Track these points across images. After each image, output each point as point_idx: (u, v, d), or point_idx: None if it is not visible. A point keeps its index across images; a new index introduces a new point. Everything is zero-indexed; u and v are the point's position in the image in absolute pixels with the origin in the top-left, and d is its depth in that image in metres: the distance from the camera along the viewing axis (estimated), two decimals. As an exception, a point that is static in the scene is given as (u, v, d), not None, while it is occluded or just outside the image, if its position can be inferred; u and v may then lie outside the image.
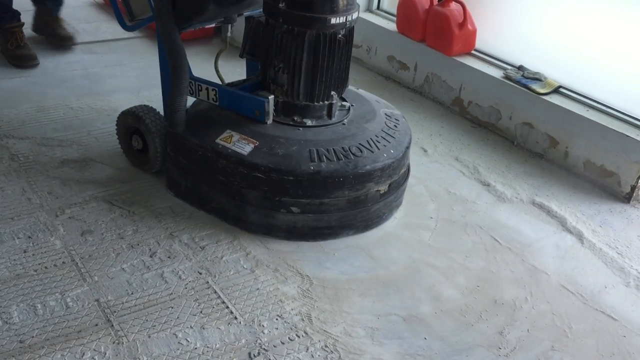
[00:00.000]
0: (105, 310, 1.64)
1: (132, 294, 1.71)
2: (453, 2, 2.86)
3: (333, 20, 1.91)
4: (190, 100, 2.12)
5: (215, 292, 1.75)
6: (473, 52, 2.93)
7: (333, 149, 1.96)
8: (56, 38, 3.22)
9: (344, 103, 2.19)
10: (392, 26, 3.25)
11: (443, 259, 1.97)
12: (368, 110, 2.21)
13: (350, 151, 1.97)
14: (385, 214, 2.12)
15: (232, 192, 1.99)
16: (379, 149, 2.01)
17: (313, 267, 1.88)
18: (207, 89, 2.10)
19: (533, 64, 2.74)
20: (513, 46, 2.82)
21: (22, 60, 2.99)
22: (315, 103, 2.05)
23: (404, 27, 3.13)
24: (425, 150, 2.59)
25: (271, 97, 2.01)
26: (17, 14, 3.04)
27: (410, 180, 2.36)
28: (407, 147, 2.12)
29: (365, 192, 2.00)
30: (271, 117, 2.03)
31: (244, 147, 1.95)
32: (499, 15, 2.86)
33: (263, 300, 1.74)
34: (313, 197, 1.94)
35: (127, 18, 2.29)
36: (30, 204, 2.02)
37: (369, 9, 3.45)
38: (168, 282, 1.76)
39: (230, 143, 1.97)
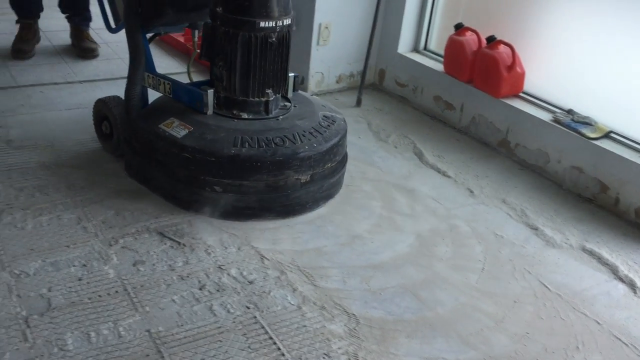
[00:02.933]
0: (156, 341, 1.67)
1: (182, 325, 1.73)
2: (502, 45, 2.88)
3: (262, 24, 2.16)
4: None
5: (263, 327, 1.76)
6: (521, 94, 2.93)
7: (257, 137, 2.20)
8: (82, 50, 3.64)
9: (285, 103, 2.45)
10: (439, 67, 3.28)
11: (491, 303, 1.95)
12: (308, 111, 2.43)
13: (273, 141, 2.20)
14: (309, 203, 2.32)
15: (167, 171, 2.26)
16: (302, 142, 2.23)
17: (359, 306, 1.88)
18: (164, 83, 2.41)
19: (583, 108, 2.72)
20: (562, 89, 2.81)
21: (16, 52, 3.44)
22: (252, 99, 2.29)
23: (451, 68, 3.16)
24: (471, 192, 2.59)
25: (210, 90, 2.29)
26: (33, 13, 3.50)
27: (457, 221, 2.36)
28: (335, 145, 2.32)
29: (284, 179, 2.21)
30: (210, 109, 2.29)
31: (180, 131, 2.22)
32: (548, 59, 2.86)
33: (310, 337, 1.74)
34: (233, 178, 2.17)
35: (113, 22, 2.65)
36: (85, 232, 2.08)
37: (415, 49, 3.49)
38: (217, 315, 1.79)
39: (169, 128, 2.25)
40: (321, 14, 3.23)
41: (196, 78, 2.68)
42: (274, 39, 2.21)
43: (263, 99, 2.31)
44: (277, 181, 2.21)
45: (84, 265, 1.92)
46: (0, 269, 1.86)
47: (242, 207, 2.23)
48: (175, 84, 2.38)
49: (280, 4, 2.19)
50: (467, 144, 3.02)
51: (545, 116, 2.77)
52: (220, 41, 2.23)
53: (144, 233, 2.11)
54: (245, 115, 2.31)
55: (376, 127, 3.12)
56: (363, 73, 3.36)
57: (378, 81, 3.60)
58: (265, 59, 2.23)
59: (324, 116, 2.43)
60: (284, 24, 2.21)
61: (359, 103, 3.35)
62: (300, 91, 2.58)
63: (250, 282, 1.93)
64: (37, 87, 3.14)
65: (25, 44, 3.49)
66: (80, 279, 1.86)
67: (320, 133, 2.32)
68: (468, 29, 3.06)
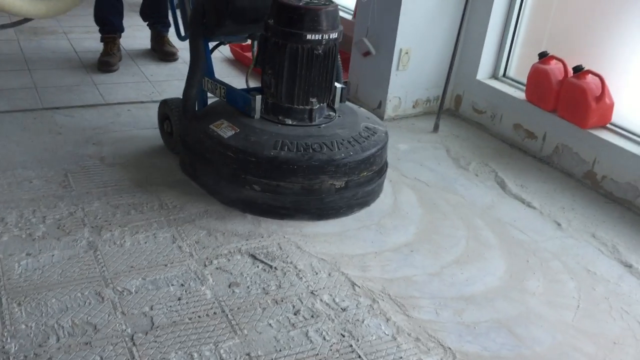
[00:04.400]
0: (257, 366, 1.69)
1: (280, 351, 1.75)
2: (590, 75, 2.83)
3: (309, 37, 2.30)
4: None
5: (360, 357, 1.76)
6: (609, 125, 2.87)
7: (297, 142, 2.33)
8: (163, 54, 3.95)
9: (330, 113, 2.57)
10: (519, 94, 3.25)
11: (590, 343, 1.90)
12: (351, 121, 2.55)
13: (311, 146, 2.33)
14: (342, 208, 2.43)
15: (213, 168, 2.43)
16: (339, 149, 2.35)
17: (454, 340, 1.86)
18: (220, 87, 2.61)
19: (676, 142, 2.64)
20: (654, 122, 2.75)
21: (102, 65, 3.67)
22: (296, 106, 2.42)
23: (533, 96, 3.12)
24: (559, 224, 2.54)
25: (259, 96, 2.45)
26: (115, 29, 3.78)
27: (545, 254, 2.32)
28: (372, 154, 2.42)
29: (319, 183, 2.32)
30: (258, 113, 2.46)
31: (227, 132, 2.38)
32: (638, 90, 2.79)
33: (407, 369, 1.74)
34: (271, 178, 2.31)
35: (183, 30, 2.84)
36: (181, 252, 2.14)
37: (494, 76, 3.46)
38: (313, 342, 1.80)
39: (218, 128, 2.41)
40: (402, 39, 3.25)
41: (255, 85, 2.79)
42: (320, 51, 2.34)
43: (307, 107, 2.44)
44: (312, 185, 2.33)
45: (182, 285, 1.97)
46: (104, 285, 1.93)
47: (278, 207, 2.37)
48: (229, 88, 2.58)
49: (327, 19, 2.33)
50: (549, 174, 2.97)
51: (636, 149, 2.70)
52: (271, 51, 2.39)
53: (236, 254, 2.15)
54: (289, 122, 2.45)
55: (455, 154, 3.10)
56: (442, 99, 3.35)
57: (454, 107, 3.58)
58: (310, 69, 2.36)
59: (366, 127, 2.53)
60: (331, 37, 2.34)
61: (436, 129, 3.34)
62: (348, 103, 2.71)
63: (344, 310, 1.94)
64: (124, 105, 3.25)
65: (110, 57, 3.72)
66: (179, 299, 1.91)
67: (359, 142, 2.42)
68: (553, 57, 3.02)
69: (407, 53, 3.29)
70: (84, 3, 3.74)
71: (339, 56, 2.59)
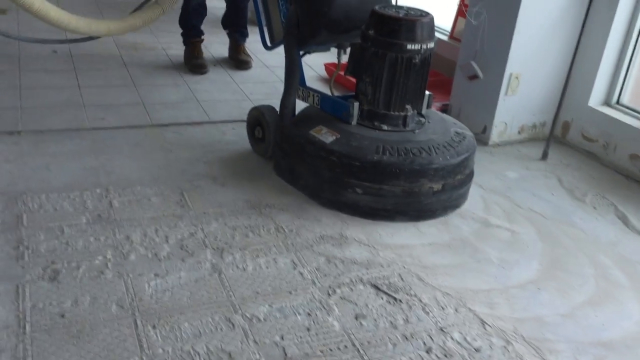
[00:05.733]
0: (398, 407, 1.63)
1: (417, 391, 1.69)
2: None
3: (409, 47, 2.41)
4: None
5: (501, 402, 1.68)
6: None
7: (397, 147, 2.43)
8: (238, 62, 4.14)
9: (420, 119, 2.65)
10: (636, 123, 3.10)
11: None
12: (441, 126, 2.64)
13: (411, 151, 2.43)
14: (438, 210, 2.53)
15: (314, 172, 2.53)
16: (436, 154, 2.45)
17: (599, 390, 1.75)
18: (313, 95, 2.72)
19: None
20: None
21: (196, 67, 3.90)
22: (392, 112, 2.53)
23: (655, 127, 2.97)
24: (692, 266, 2.38)
25: (356, 103, 2.54)
26: (200, 32, 4.03)
27: (686, 300, 2.17)
28: (465, 158, 2.52)
29: (419, 186, 2.42)
30: (355, 119, 2.55)
31: (328, 137, 2.48)
32: None
33: (553, 420, 1.64)
34: (374, 182, 2.41)
35: (269, 40, 2.99)
36: (303, 279, 2.11)
37: (607, 103, 3.32)
38: (450, 383, 1.73)
39: (319, 134, 2.51)
40: (513, 63, 3.15)
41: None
42: (417, 60, 2.45)
43: (402, 114, 2.54)
44: (413, 188, 2.43)
45: (309, 314, 1.94)
46: (233, 311, 1.91)
47: (379, 209, 2.47)
48: (323, 96, 2.69)
49: (425, 29, 2.43)
50: (673, 209, 2.81)
51: None
52: (369, 60, 2.48)
53: (358, 284, 2.11)
54: (385, 127, 2.55)
55: (568, 184, 2.97)
56: (552, 125, 3.23)
57: (561, 134, 3.45)
58: (408, 77, 2.47)
59: (456, 132, 2.62)
60: (428, 47, 2.44)
61: (545, 156, 3.22)
62: (432, 109, 2.78)
63: (477, 350, 1.86)
64: (229, 123, 3.27)
65: (201, 59, 3.98)
66: (308, 329, 1.87)
67: (453, 147, 2.51)
68: (678, 86, 2.87)
69: (517, 77, 3.19)
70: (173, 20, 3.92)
71: None
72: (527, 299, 2.12)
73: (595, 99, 3.29)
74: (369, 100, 2.54)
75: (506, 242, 2.45)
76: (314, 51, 2.93)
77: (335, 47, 2.84)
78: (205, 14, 4.08)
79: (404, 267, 2.22)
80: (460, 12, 4.18)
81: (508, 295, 2.13)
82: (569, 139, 3.41)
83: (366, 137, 2.47)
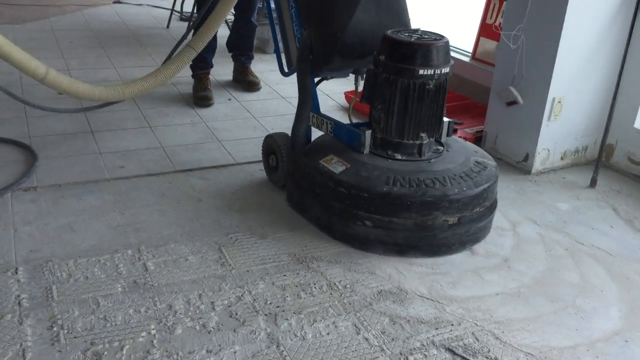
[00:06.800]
0: None
1: None
2: None
3: (421, 72, 2.27)
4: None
5: None
6: None
7: (409, 177, 2.30)
8: (247, 84, 4.09)
9: (438, 147, 2.52)
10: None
11: None
12: (460, 155, 2.48)
13: (424, 182, 2.29)
14: (455, 244, 2.36)
15: (323, 203, 2.42)
16: (451, 185, 2.29)
17: None
18: (326, 122, 2.58)
19: None
20: None
21: (200, 100, 3.77)
22: (406, 141, 2.40)
23: None
24: None
25: (368, 131, 2.43)
26: (208, 65, 3.89)
27: None
28: (484, 190, 2.35)
29: (433, 219, 2.27)
30: (367, 148, 2.44)
31: (337, 167, 2.38)
32: None
33: None
34: (383, 214, 2.28)
35: (286, 66, 2.86)
36: (369, 345, 1.90)
37: (652, 123, 3.15)
38: None
39: (329, 163, 2.41)
40: (555, 88, 2.98)
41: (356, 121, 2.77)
42: (431, 86, 2.32)
43: (417, 142, 2.41)
44: (425, 221, 2.28)
45: (386, 390, 1.73)
46: (301, 392, 1.70)
47: (390, 243, 2.33)
48: (336, 123, 2.55)
49: (439, 53, 2.29)
50: None
51: None
52: (381, 86, 2.36)
53: (431, 348, 1.90)
54: (399, 156, 2.42)
55: (625, 214, 2.79)
56: (600, 150, 3.06)
57: (605, 157, 3.27)
58: (421, 104, 2.34)
59: (476, 162, 2.47)
60: (442, 72, 2.31)
61: (593, 183, 3.04)
62: (454, 137, 2.63)
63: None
64: (255, 164, 3.07)
65: (207, 92, 3.84)
66: (389, 410, 1.66)
67: (471, 178, 2.36)
68: None
69: (559, 102, 3.02)
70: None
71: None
72: (617, 355, 1.92)
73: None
74: (382, 129, 2.42)
75: (577, 286, 2.26)
76: (330, 77, 2.82)
77: (352, 73, 2.73)
78: (216, 46, 3.93)
79: (476, 324, 2.02)
80: (484, 33, 4.02)
81: (596, 351, 1.93)
82: (613, 162, 3.24)
83: (377, 167, 2.35)
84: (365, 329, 1.97)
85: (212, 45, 3.84)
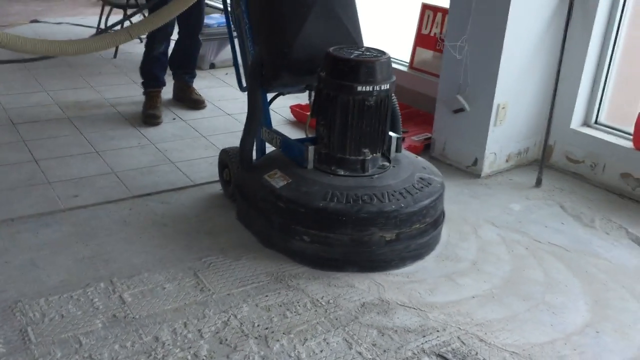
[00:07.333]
0: None
1: None
2: None
3: (359, 88, 2.30)
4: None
5: None
6: None
7: (347, 193, 2.31)
8: (192, 102, 4.03)
9: (385, 163, 2.52)
10: (622, 142, 3.15)
11: None
12: (405, 171, 2.50)
13: (361, 198, 2.31)
14: (394, 260, 2.37)
15: (265, 217, 2.44)
16: (389, 201, 2.31)
17: None
18: (276, 137, 2.62)
19: None
20: None
21: (148, 118, 3.73)
22: (349, 157, 2.42)
23: (644, 144, 3.03)
24: None
25: (312, 147, 2.45)
26: (161, 83, 3.88)
27: None
28: (425, 207, 2.37)
29: (369, 235, 2.29)
30: (311, 163, 2.46)
31: (278, 182, 2.40)
32: None
33: None
34: (320, 229, 2.30)
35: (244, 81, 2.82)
36: (363, 359, 1.92)
37: (586, 124, 3.37)
38: None
39: (271, 178, 2.42)
40: (500, 95, 3.13)
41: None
42: (371, 102, 2.34)
43: (359, 158, 2.43)
44: (362, 237, 2.30)
45: (388, 403, 1.76)
46: (307, 413, 1.70)
47: (327, 258, 2.34)
48: (283, 138, 2.59)
49: (380, 70, 2.32)
50: (676, 225, 2.86)
51: None
52: (323, 102, 2.40)
53: (422, 356, 1.95)
54: (341, 172, 2.44)
55: (572, 210, 2.97)
56: (543, 151, 3.24)
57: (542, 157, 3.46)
58: (362, 120, 2.37)
59: (420, 178, 2.49)
60: (382, 88, 2.33)
61: (539, 183, 3.21)
62: (405, 152, 2.68)
63: (572, 414, 1.75)
64: (214, 184, 3.03)
65: (156, 110, 3.81)
66: (395, 421, 1.70)
67: (411, 194, 2.38)
68: (663, 104, 2.94)
69: (504, 108, 3.18)
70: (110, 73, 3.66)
71: (396, 106, 2.63)
72: (592, 347, 2.04)
73: (575, 121, 3.33)
74: (325, 144, 2.45)
75: (543, 283, 2.38)
76: (287, 93, 2.85)
77: (306, 88, 2.74)
78: (167, 64, 3.92)
79: (460, 328, 2.09)
80: (420, 43, 4.16)
81: (572, 344, 2.05)
82: (553, 162, 3.43)
83: (318, 183, 2.37)
84: (357, 342, 2.00)
85: (163, 61, 3.89)
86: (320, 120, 2.45)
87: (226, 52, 4.86)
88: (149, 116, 3.75)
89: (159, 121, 3.75)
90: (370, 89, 2.32)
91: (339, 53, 2.36)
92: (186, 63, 4.06)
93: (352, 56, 2.33)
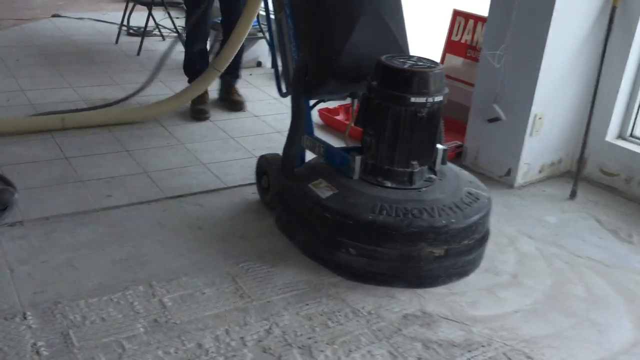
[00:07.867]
0: None
1: None
2: None
3: (413, 100, 2.24)
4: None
5: None
6: None
7: (396, 206, 2.24)
8: (231, 103, 4.03)
9: (431, 176, 2.46)
10: (659, 156, 3.12)
11: None
12: (452, 185, 2.44)
13: (411, 212, 2.23)
14: (441, 277, 2.31)
15: (309, 228, 2.37)
16: (440, 216, 2.24)
17: None
18: (319, 146, 2.56)
19: None
20: None
21: (196, 113, 3.78)
22: (396, 168, 2.36)
23: (683, 160, 2.98)
24: None
25: (358, 157, 2.39)
26: None
27: None
28: (474, 222, 2.30)
29: (418, 250, 2.22)
30: (357, 174, 2.39)
31: (325, 192, 2.33)
32: None
33: None
34: (368, 243, 2.23)
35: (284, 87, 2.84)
36: (412, 373, 1.89)
37: (621, 136, 3.33)
38: None
39: (317, 188, 2.36)
40: (537, 105, 3.09)
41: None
42: (423, 114, 2.28)
43: (408, 170, 2.37)
44: (411, 252, 2.24)
45: (439, 419, 1.73)
46: None
47: (374, 272, 2.28)
48: (327, 147, 2.53)
49: (433, 81, 2.27)
50: None
51: None
52: (373, 112, 2.34)
53: (469, 372, 1.92)
54: (388, 184, 2.38)
55: (608, 224, 2.92)
56: (579, 163, 3.20)
57: (578, 170, 3.42)
58: (413, 132, 2.31)
59: (468, 192, 2.42)
60: (435, 100, 2.27)
61: (573, 195, 3.17)
62: (449, 164, 2.59)
63: None
64: (246, 187, 3.00)
65: (205, 105, 3.84)
66: None
67: (461, 209, 2.31)
68: None
69: (540, 118, 3.14)
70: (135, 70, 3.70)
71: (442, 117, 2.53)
72: (639, 368, 2.01)
73: (611, 134, 3.29)
74: (372, 155, 2.39)
75: (586, 300, 2.34)
76: (328, 100, 2.80)
77: (349, 96, 2.69)
78: (208, 59, 3.92)
79: (505, 344, 2.05)
80: (450, 50, 4.12)
81: (625, 370, 2.01)
82: (586, 174, 3.39)
83: (365, 194, 2.31)
84: (402, 355, 1.96)
85: (204, 57, 3.93)
86: (368, 130, 2.38)
87: (250, 53, 4.83)
88: (197, 111, 3.79)
89: (207, 116, 3.80)
90: (424, 101, 2.25)
91: (391, 62, 2.30)
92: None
93: (405, 66, 2.28)
